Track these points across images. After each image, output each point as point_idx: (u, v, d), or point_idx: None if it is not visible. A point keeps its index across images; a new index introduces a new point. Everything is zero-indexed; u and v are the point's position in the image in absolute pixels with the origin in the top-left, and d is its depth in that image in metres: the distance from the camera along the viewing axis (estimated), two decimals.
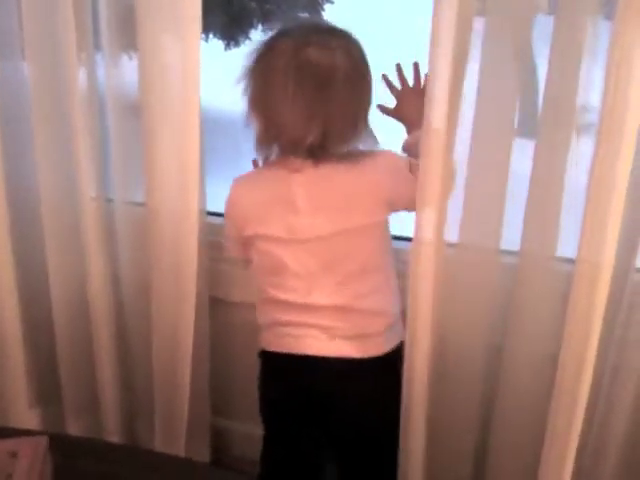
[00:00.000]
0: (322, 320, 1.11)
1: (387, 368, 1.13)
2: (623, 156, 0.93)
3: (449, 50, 0.97)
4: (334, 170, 1.09)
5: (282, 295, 1.13)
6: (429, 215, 1.05)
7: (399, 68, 1.21)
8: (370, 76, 1.10)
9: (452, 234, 1.12)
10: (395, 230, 1.20)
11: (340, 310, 1.10)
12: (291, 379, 1.15)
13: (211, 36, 3.78)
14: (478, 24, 1.02)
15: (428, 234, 1.06)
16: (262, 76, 1.07)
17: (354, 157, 1.10)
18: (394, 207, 1.12)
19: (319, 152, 1.07)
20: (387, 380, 1.14)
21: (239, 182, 1.17)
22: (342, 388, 1.11)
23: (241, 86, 1.09)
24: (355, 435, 1.15)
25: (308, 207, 1.09)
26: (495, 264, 1.15)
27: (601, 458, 1.21)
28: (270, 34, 1.08)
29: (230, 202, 1.17)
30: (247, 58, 1.08)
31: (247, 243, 1.17)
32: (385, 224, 1.13)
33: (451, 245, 1.13)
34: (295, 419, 1.17)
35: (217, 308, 1.43)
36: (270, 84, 1.06)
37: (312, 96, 1.03)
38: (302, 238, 1.10)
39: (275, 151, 1.11)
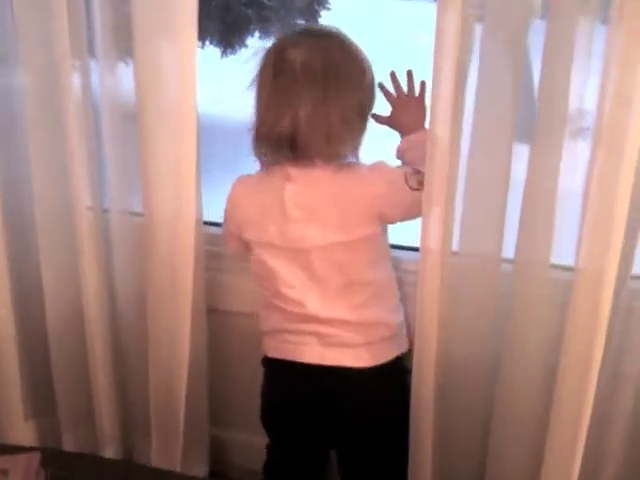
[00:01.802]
0: (318, 328, 1.11)
1: (385, 378, 1.13)
2: (627, 160, 0.91)
3: (453, 58, 0.97)
4: (327, 180, 1.09)
5: (278, 302, 1.14)
6: (435, 224, 1.05)
7: (393, 75, 1.21)
8: (360, 78, 1.08)
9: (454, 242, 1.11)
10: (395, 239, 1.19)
11: (335, 320, 1.10)
12: (290, 386, 1.16)
13: (207, 43, 3.78)
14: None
15: (435, 243, 1.06)
16: (255, 78, 1.11)
17: (348, 168, 1.10)
18: (387, 219, 1.11)
19: (298, 152, 1.07)
20: (385, 390, 1.14)
21: (240, 182, 1.19)
22: (339, 396, 1.11)
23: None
24: (353, 444, 1.16)
25: (299, 217, 1.10)
26: (496, 272, 1.13)
27: (601, 466, 1.20)
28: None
29: (230, 201, 1.19)
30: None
31: (246, 244, 1.18)
32: (380, 236, 1.13)
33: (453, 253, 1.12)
34: (295, 426, 1.17)
35: (216, 318, 1.41)
36: (257, 83, 1.10)
37: (285, 89, 1.06)
38: (294, 247, 1.10)
39: (268, 153, 1.12)
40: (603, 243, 0.96)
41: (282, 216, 1.10)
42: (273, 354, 1.18)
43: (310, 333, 1.11)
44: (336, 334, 1.10)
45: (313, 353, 1.11)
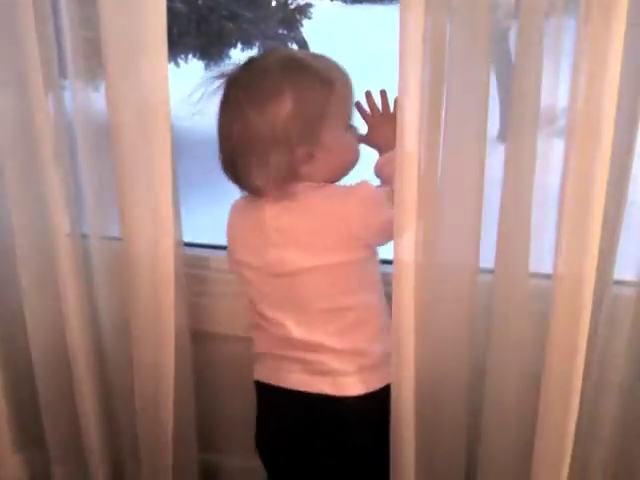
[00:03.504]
0: (302, 355, 1.09)
1: (373, 406, 1.10)
2: (600, 160, 0.90)
3: (418, 61, 0.94)
4: (306, 203, 1.07)
5: (262, 323, 1.14)
6: (408, 237, 1.01)
7: (368, 94, 1.20)
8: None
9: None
10: None
11: (316, 345, 1.08)
12: (276, 411, 1.15)
13: (190, 56, 3.78)
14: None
15: (409, 256, 1.03)
16: None
17: (327, 188, 1.09)
18: (369, 242, 1.08)
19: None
20: (372, 419, 1.11)
21: (234, 204, 1.18)
22: (325, 424, 1.10)
23: None
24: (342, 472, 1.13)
25: (279, 241, 1.08)
26: (473, 283, 1.11)
27: (587, 475, 1.19)
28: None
29: (228, 221, 1.19)
30: None
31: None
32: (365, 262, 1.10)
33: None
34: (284, 452, 1.16)
35: (202, 341, 1.40)
36: None
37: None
38: (274, 271, 1.09)
39: None
40: (580, 246, 0.94)
41: (263, 239, 1.09)
42: (259, 377, 1.18)
43: (293, 359, 1.10)
44: (318, 361, 1.08)
45: (296, 380, 1.10)
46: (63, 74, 1.24)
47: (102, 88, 1.18)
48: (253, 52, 3.93)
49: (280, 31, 3.76)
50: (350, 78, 1.11)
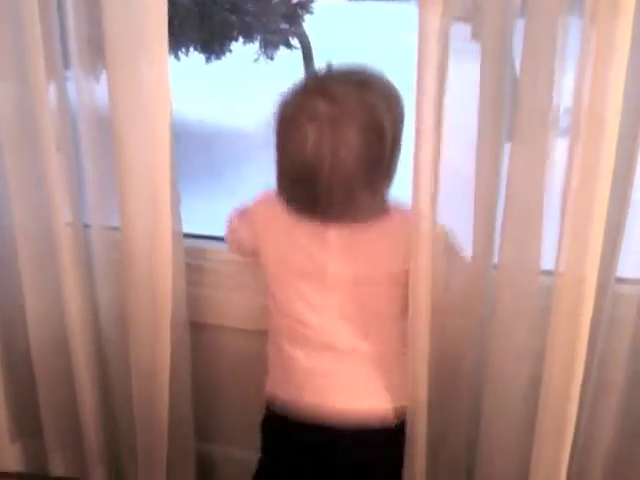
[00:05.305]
0: (346, 368, 1.10)
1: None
2: (604, 160, 0.90)
3: (435, 60, 0.95)
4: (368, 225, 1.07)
5: (303, 330, 1.10)
6: (424, 242, 1.03)
7: None
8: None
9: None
10: None
11: (363, 357, 1.09)
12: (307, 436, 1.11)
13: (192, 49, 3.78)
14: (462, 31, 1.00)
15: (425, 258, 1.04)
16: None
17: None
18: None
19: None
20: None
21: (270, 200, 1.11)
22: (361, 443, 1.09)
23: None
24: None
25: (340, 252, 1.07)
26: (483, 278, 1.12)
27: (585, 475, 1.19)
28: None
29: (257, 219, 1.15)
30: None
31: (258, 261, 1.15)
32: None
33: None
34: (300, 470, 1.16)
35: (200, 332, 1.40)
36: None
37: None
38: (330, 282, 1.08)
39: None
40: (582, 245, 0.94)
41: (322, 250, 1.07)
42: (291, 398, 1.12)
43: (337, 374, 1.10)
44: (362, 375, 1.10)
45: (341, 399, 1.09)
46: (66, 65, 1.25)
47: (104, 79, 1.19)
48: (255, 46, 3.91)
49: (282, 25, 3.75)
50: None
